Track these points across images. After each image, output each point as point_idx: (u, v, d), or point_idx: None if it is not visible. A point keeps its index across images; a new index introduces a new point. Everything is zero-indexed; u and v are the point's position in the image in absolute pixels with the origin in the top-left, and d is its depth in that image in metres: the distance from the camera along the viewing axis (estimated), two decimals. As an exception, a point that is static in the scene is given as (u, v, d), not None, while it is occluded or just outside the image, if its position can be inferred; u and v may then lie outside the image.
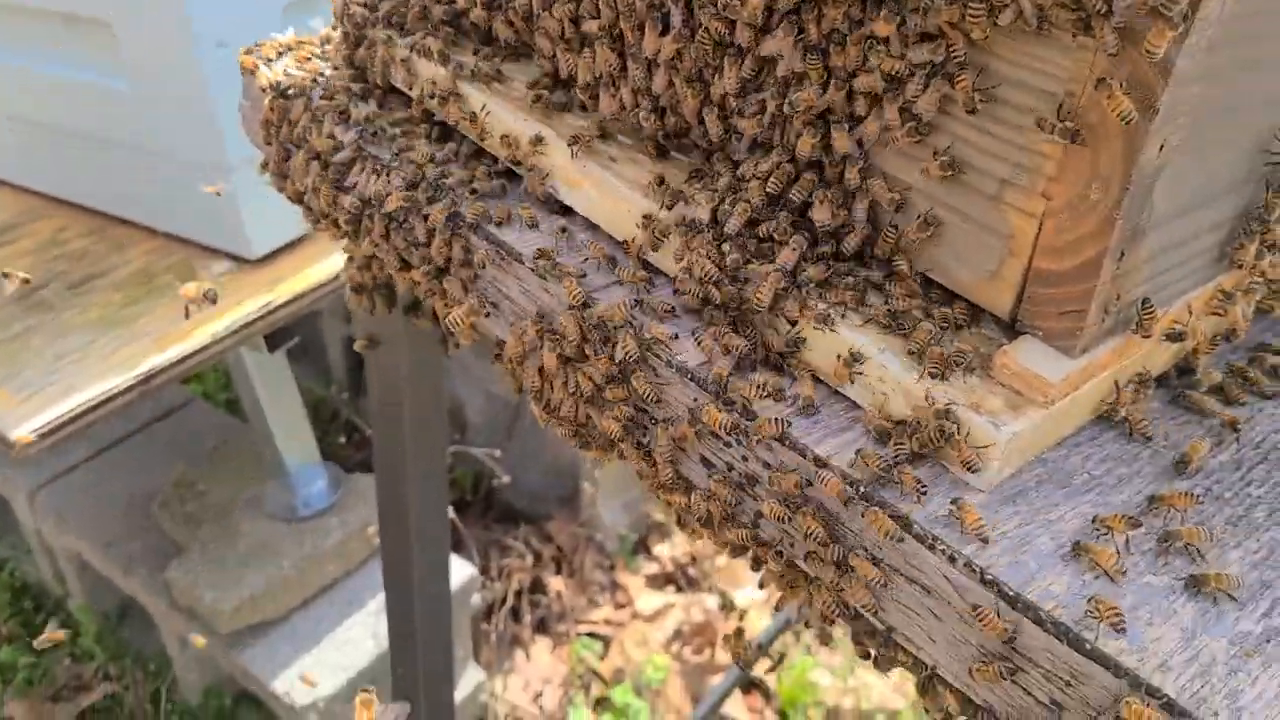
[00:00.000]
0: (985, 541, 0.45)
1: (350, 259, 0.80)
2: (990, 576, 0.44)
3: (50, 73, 1.39)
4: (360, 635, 1.51)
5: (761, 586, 0.65)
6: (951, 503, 0.46)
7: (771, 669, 1.01)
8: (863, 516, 0.47)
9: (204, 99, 1.28)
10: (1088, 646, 0.41)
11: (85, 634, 1.75)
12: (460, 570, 1.62)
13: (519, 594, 1.85)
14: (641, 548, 2.03)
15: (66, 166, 1.50)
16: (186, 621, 1.52)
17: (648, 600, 1.92)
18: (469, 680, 1.72)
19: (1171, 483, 0.50)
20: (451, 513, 1.68)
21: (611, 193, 0.61)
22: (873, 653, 0.56)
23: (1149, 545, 0.46)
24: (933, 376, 0.48)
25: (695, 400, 0.52)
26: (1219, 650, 0.42)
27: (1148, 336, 0.50)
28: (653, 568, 1.99)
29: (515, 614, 1.87)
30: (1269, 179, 0.52)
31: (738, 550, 0.56)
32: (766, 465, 0.50)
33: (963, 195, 0.50)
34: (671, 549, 2.01)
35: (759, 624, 1.87)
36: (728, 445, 0.52)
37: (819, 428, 0.50)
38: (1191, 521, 0.47)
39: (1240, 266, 0.54)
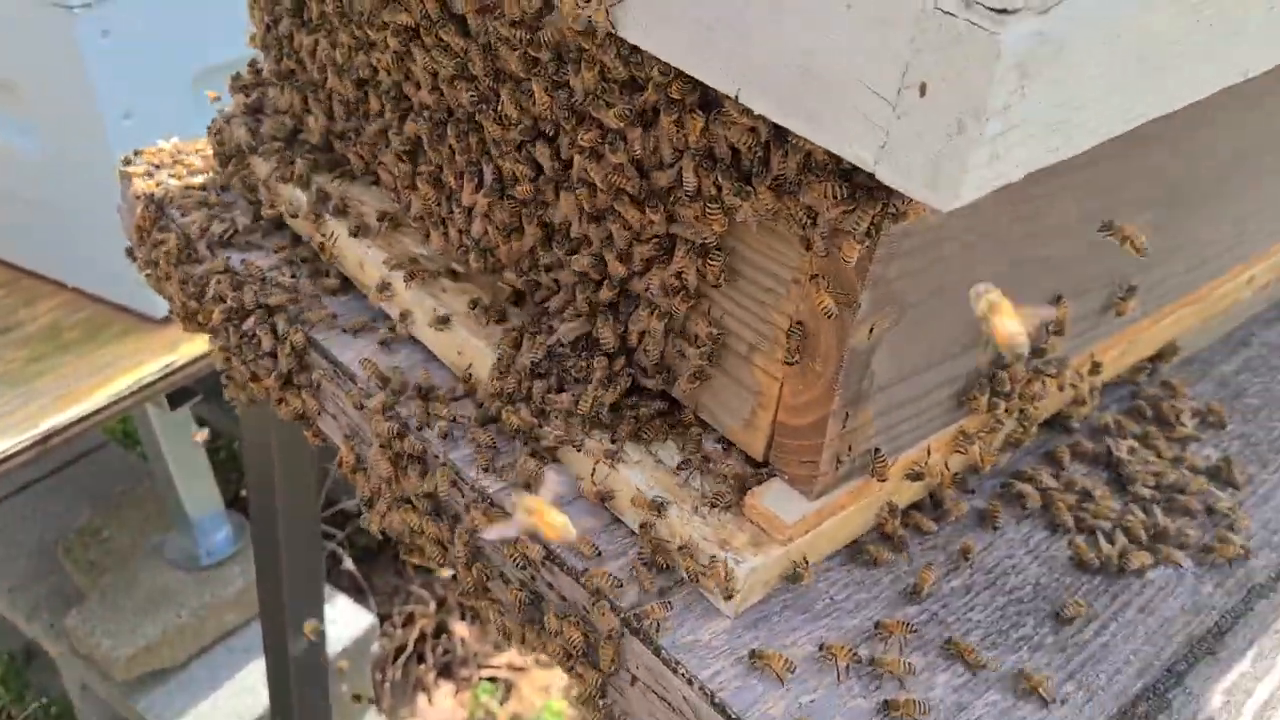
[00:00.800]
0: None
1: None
2: (719, 700, 0.50)
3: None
4: (258, 682, 1.55)
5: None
6: (693, 640, 0.53)
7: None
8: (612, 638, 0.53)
9: (110, 166, 1.32)
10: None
11: (-12, 676, 1.76)
12: (360, 619, 1.66)
13: (422, 639, 1.90)
14: (547, 593, 2.08)
15: (-23, 220, 1.53)
16: (85, 668, 1.55)
17: (549, 645, 1.97)
18: (369, 726, 1.76)
19: (899, 609, 0.57)
20: (354, 566, 1.73)
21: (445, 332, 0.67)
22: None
23: (865, 670, 0.53)
24: (694, 512, 0.55)
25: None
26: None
27: (882, 480, 0.57)
28: (557, 613, 2.05)
29: (420, 658, 1.91)
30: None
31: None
32: (549, 586, 0.57)
33: (724, 353, 0.57)
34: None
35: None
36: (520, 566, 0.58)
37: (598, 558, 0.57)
38: (910, 647, 0.54)
39: (975, 412, 0.61)
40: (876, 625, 0.55)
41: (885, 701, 0.51)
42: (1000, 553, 0.62)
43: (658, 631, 0.53)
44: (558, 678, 1.93)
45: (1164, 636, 0.58)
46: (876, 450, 0.57)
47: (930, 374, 0.57)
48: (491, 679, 1.92)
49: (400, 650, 1.88)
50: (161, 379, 1.36)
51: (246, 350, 0.72)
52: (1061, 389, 0.66)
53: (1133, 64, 0.40)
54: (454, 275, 0.69)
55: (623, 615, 0.54)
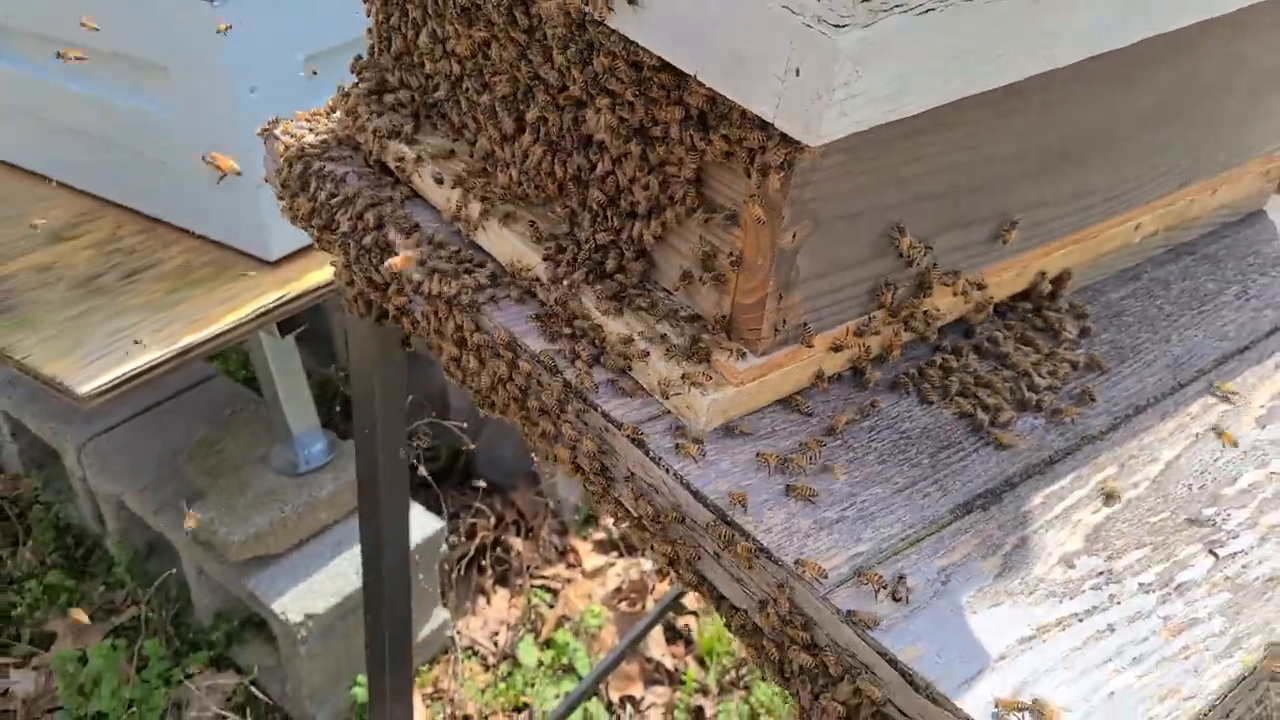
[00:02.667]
0: (695, 461, 0.77)
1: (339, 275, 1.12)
2: (685, 481, 0.76)
3: (112, 99, 1.72)
4: (347, 569, 1.84)
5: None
6: (674, 446, 0.78)
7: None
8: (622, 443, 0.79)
9: (236, 131, 1.60)
10: (729, 519, 0.73)
11: (118, 566, 2.08)
12: (432, 523, 1.94)
13: (483, 550, 2.17)
14: (592, 520, 2.35)
15: (123, 175, 1.83)
16: (203, 554, 1.85)
17: (593, 561, 2.24)
18: (436, 618, 2.05)
19: (818, 436, 0.82)
20: (429, 475, 2.01)
21: (507, 240, 0.93)
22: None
23: (784, 471, 0.78)
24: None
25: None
26: (804, 523, 0.74)
27: (810, 346, 0.82)
28: (600, 535, 2.32)
29: (480, 567, 2.19)
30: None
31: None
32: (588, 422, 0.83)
33: (705, 261, 0.82)
34: (619, 520, 2.34)
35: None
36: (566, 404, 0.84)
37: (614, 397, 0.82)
38: (809, 456, 0.79)
39: (884, 306, 0.86)
40: (800, 444, 0.80)
41: (788, 485, 0.76)
42: (901, 409, 0.87)
43: (645, 441, 0.78)
44: (599, 587, 2.20)
45: (1009, 462, 0.82)
46: (805, 324, 0.81)
47: (845, 274, 0.82)
48: (543, 587, 2.20)
49: (463, 557, 2.16)
50: (275, 308, 1.64)
51: (364, 260, 0.99)
52: (956, 294, 0.90)
53: (941, 57, 0.64)
54: (515, 206, 0.95)
55: (626, 433, 0.79)
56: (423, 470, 1.85)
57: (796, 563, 0.69)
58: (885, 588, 0.69)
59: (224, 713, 1.76)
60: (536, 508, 2.28)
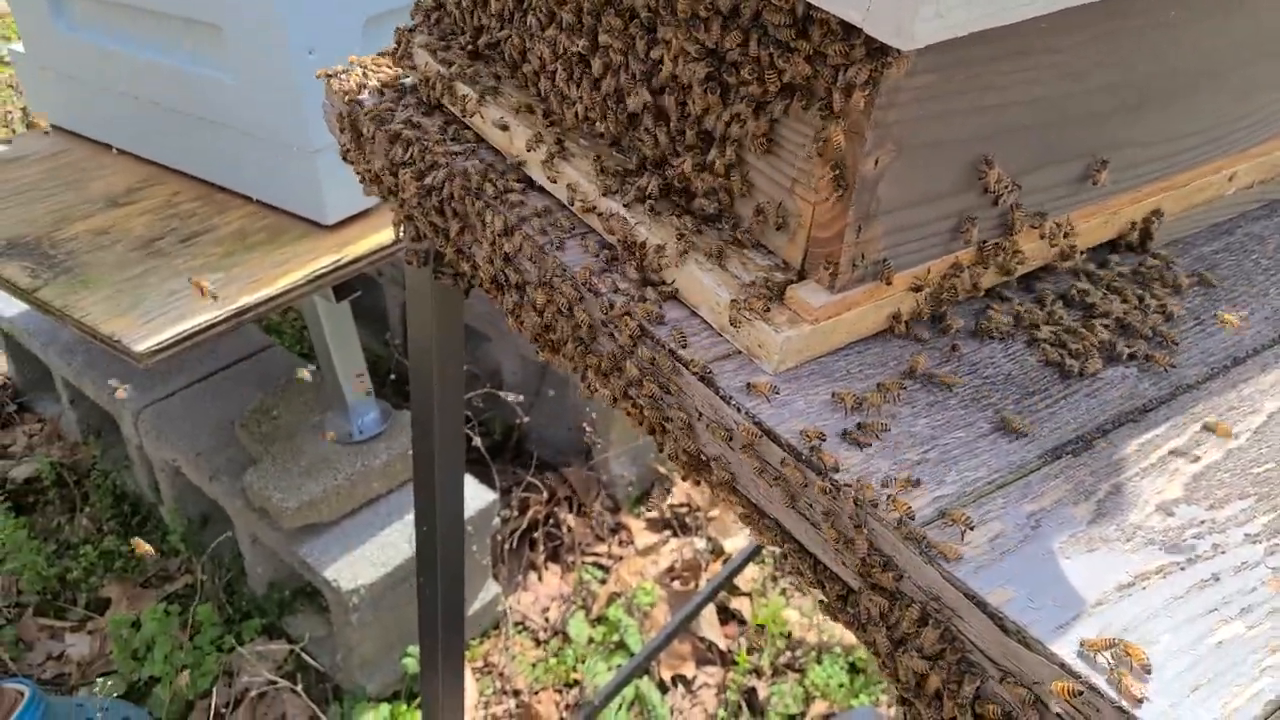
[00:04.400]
0: (768, 400, 0.73)
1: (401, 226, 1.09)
2: (757, 420, 0.72)
3: (169, 63, 1.71)
4: (398, 539, 1.82)
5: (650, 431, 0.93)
6: (746, 385, 0.75)
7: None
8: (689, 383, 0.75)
9: (294, 94, 1.59)
10: (803, 455, 0.69)
11: (173, 534, 2.08)
12: (485, 495, 1.92)
13: (535, 525, 2.15)
14: (645, 497, 2.32)
15: (180, 141, 1.83)
16: (257, 520, 1.84)
17: (645, 539, 2.21)
18: (488, 592, 2.03)
19: (897, 379, 0.78)
20: (483, 448, 1.99)
21: (571, 177, 0.90)
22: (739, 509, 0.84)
23: (860, 411, 0.74)
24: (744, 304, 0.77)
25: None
26: (883, 465, 0.70)
27: (889, 284, 0.78)
28: (653, 513, 2.28)
29: (532, 543, 2.17)
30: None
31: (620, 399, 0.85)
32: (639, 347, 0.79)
33: (777, 190, 0.78)
34: (671, 499, 2.30)
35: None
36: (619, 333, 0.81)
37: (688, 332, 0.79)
38: (887, 397, 0.75)
39: (968, 244, 0.81)
40: (878, 385, 0.76)
41: (860, 424, 0.72)
42: (984, 355, 0.82)
43: (714, 379, 0.75)
44: (651, 564, 2.16)
45: (1100, 410, 0.77)
46: (884, 260, 0.77)
47: (927, 207, 0.77)
48: (594, 564, 2.17)
49: (515, 532, 2.14)
50: (330, 272, 1.63)
51: (425, 203, 0.96)
52: (1043, 238, 0.85)
53: (1042, -41, 0.60)
54: (582, 143, 0.92)
55: (696, 371, 0.76)
56: (477, 441, 1.83)
57: (888, 497, 0.65)
58: (972, 528, 0.65)
59: (274, 678, 1.76)
60: (589, 484, 2.25)
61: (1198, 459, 0.73)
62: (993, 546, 0.64)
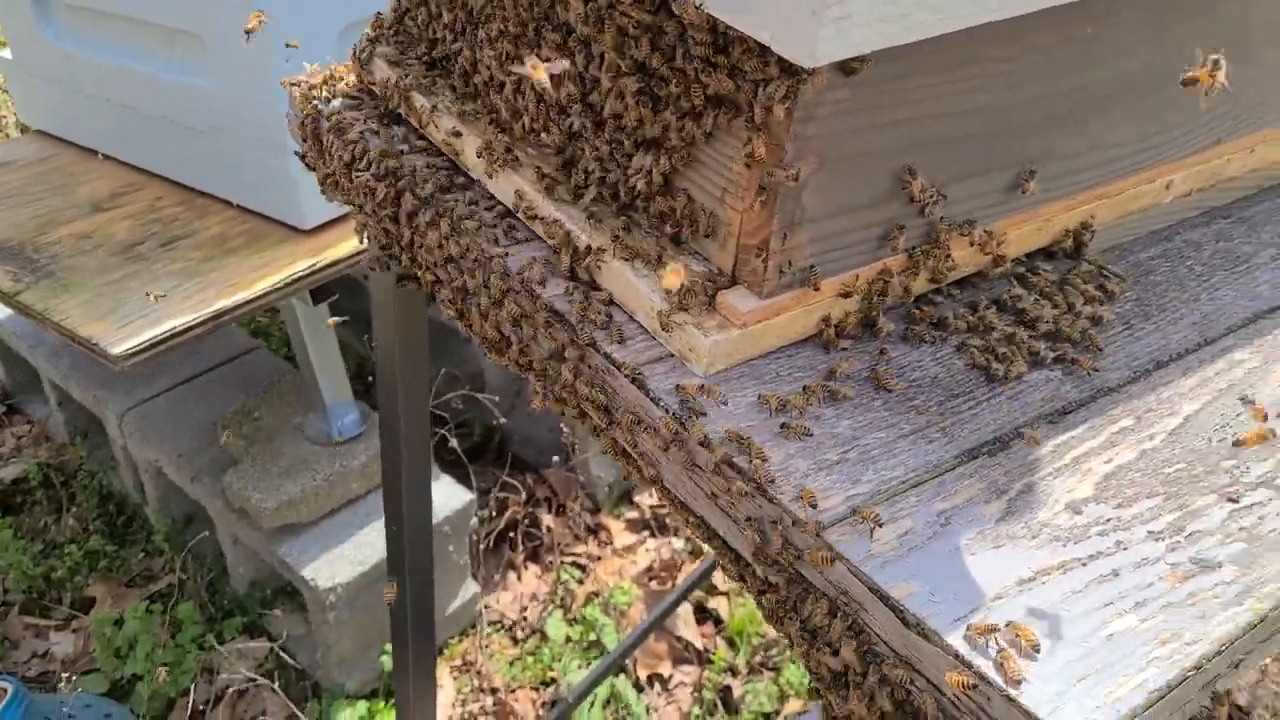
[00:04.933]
0: (693, 400, 0.76)
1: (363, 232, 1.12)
2: (683, 421, 0.75)
3: (151, 70, 1.74)
4: (376, 539, 1.85)
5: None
6: (675, 386, 0.77)
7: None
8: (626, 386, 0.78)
9: (272, 101, 1.62)
10: (724, 455, 0.72)
11: (157, 534, 2.11)
12: (461, 496, 1.95)
13: (514, 526, 2.18)
14: (624, 498, 2.35)
15: (162, 147, 1.86)
16: (237, 521, 1.87)
17: (624, 540, 2.24)
18: (467, 591, 2.06)
19: (823, 381, 0.80)
20: (459, 449, 2.01)
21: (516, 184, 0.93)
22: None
23: (784, 412, 0.77)
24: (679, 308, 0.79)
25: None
26: (802, 464, 0.72)
27: (816, 289, 0.80)
28: (632, 514, 2.31)
29: (511, 543, 2.20)
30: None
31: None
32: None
33: (709, 199, 0.81)
34: (650, 499, 2.33)
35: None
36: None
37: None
38: (811, 399, 0.77)
39: (895, 252, 0.84)
40: (804, 388, 0.79)
41: (783, 424, 0.75)
42: (912, 359, 0.85)
43: (645, 381, 0.77)
44: (629, 564, 2.19)
45: (1021, 412, 0.80)
46: (811, 267, 0.80)
47: (853, 216, 0.80)
48: (573, 564, 2.20)
49: (493, 533, 2.17)
50: (307, 276, 1.66)
51: (380, 211, 0.99)
52: (973, 245, 0.88)
53: (942, -20, 0.63)
54: (528, 153, 0.95)
55: (626, 372, 0.78)
56: (453, 442, 1.86)
57: (795, 486, 0.68)
58: (881, 525, 0.67)
59: (253, 675, 1.78)
60: (568, 485, 2.28)
61: (1111, 460, 0.76)
62: (901, 543, 0.67)
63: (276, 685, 1.79)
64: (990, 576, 0.65)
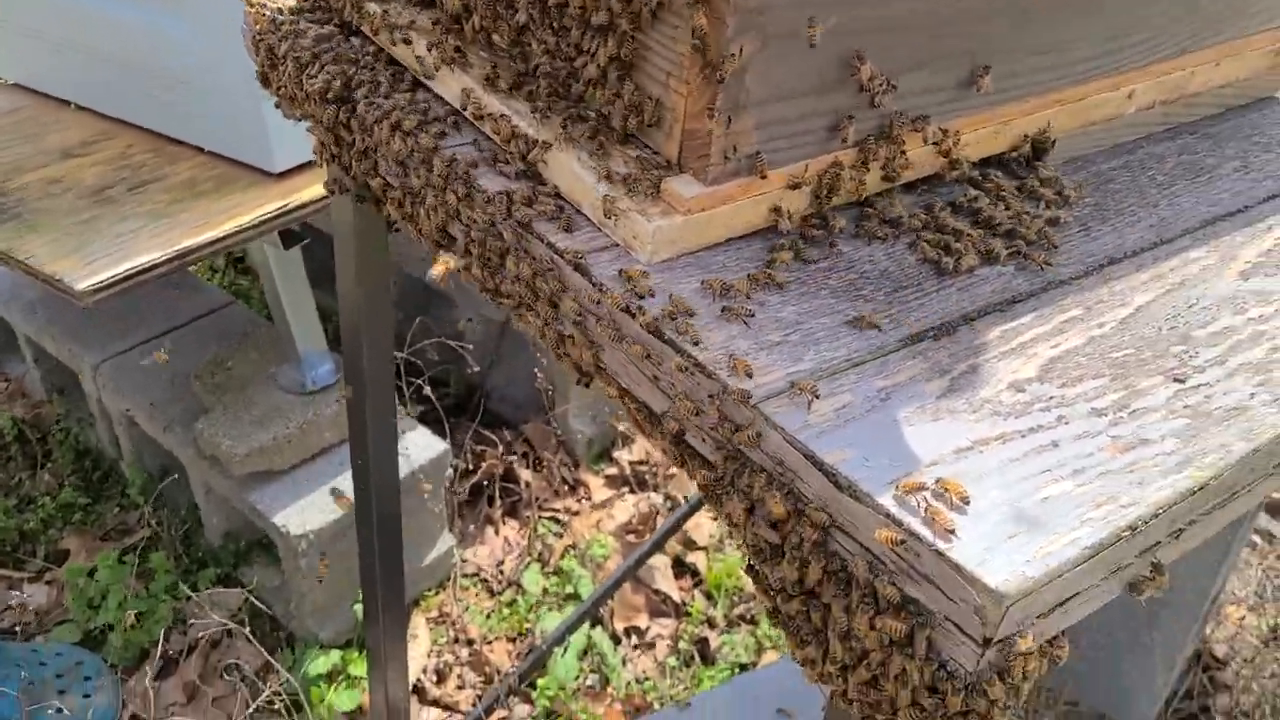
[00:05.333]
0: (641, 296, 0.75)
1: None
2: (624, 304, 0.74)
3: (124, 17, 1.72)
4: (349, 488, 1.84)
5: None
6: (619, 271, 0.76)
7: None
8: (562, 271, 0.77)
9: (244, 43, 1.60)
10: (666, 336, 0.71)
11: (132, 487, 2.10)
12: (436, 445, 1.94)
13: (492, 480, 2.17)
14: (604, 455, 2.34)
15: (135, 95, 1.84)
16: (209, 469, 1.86)
17: (603, 495, 2.23)
18: (442, 544, 2.05)
19: (769, 271, 0.79)
20: (434, 398, 2.00)
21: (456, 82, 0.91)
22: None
23: (727, 296, 0.76)
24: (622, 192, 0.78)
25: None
26: (743, 344, 0.71)
27: (763, 178, 0.79)
28: (611, 470, 2.30)
29: (489, 498, 2.19)
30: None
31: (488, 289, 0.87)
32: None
33: (654, 86, 0.79)
34: (630, 455, 2.32)
35: (699, 521, 2.17)
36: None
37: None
38: (756, 286, 0.76)
39: (845, 143, 0.83)
40: (748, 276, 0.78)
41: (724, 307, 0.73)
42: (864, 253, 0.84)
43: (588, 268, 0.76)
44: (608, 518, 2.18)
45: (969, 302, 0.79)
46: (758, 154, 0.79)
47: (800, 101, 0.79)
48: (551, 518, 2.19)
49: (471, 487, 2.16)
50: (277, 217, 1.64)
51: (334, 119, 0.98)
52: (927, 143, 0.87)
53: None
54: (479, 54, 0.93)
55: (569, 258, 0.77)
56: (427, 390, 1.85)
57: (730, 357, 0.67)
58: (819, 398, 0.66)
59: (225, 621, 1.77)
60: (547, 439, 2.27)
61: (1058, 345, 0.75)
62: (838, 415, 0.66)
63: (250, 634, 1.78)
64: (926, 446, 0.64)
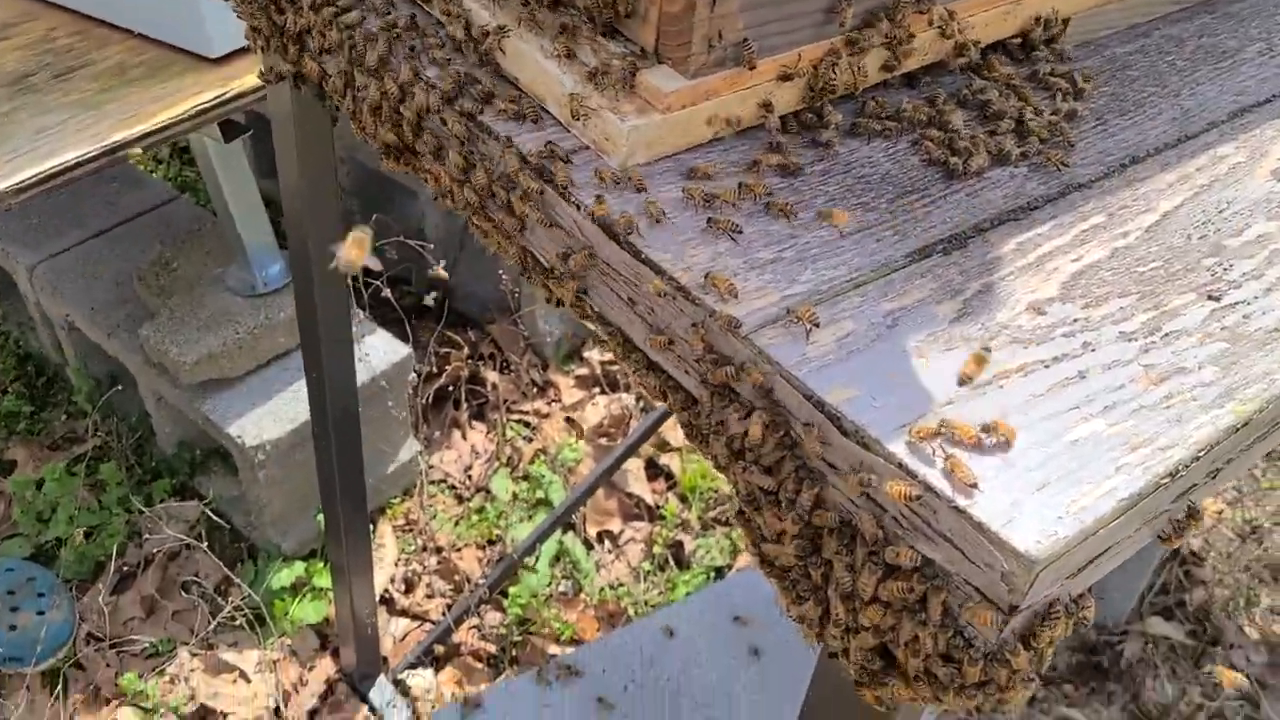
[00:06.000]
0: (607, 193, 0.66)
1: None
2: (595, 215, 0.65)
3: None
4: (305, 395, 1.76)
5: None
6: (594, 171, 0.67)
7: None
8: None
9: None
10: (644, 255, 0.63)
11: (78, 394, 2.01)
12: (398, 349, 1.86)
13: (457, 383, 2.09)
14: (574, 355, 2.27)
15: (54, -29, 1.68)
16: (158, 377, 1.77)
17: (574, 396, 2.16)
18: (407, 451, 1.98)
19: (760, 178, 0.70)
20: (393, 297, 1.91)
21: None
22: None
23: (711, 208, 0.67)
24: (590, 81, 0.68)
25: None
26: (732, 263, 0.63)
27: (752, 69, 0.70)
28: (582, 370, 2.23)
29: (455, 402, 2.12)
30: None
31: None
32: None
33: (625, -39, 0.69)
34: (601, 356, 2.25)
35: (673, 422, 2.11)
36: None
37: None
38: (745, 196, 0.68)
39: (843, 28, 0.73)
40: (738, 184, 0.69)
41: (710, 219, 0.65)
42: (863, 154, 0.75)
43: (553, 172, 0.67)
44: (579, 421, 2.12)
45: (980, 210, 0.70)
46: (745, 41, 0.69)
47: (793, -19, 0.69)
48: (520, 422, 2.13)
49: (436, 390, 2.08)
50: (215, 107, 1.51)
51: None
52: (932, 25, 0.77)
53: None
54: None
55: (533, 161, 0.68)
56: (386, 292, 1.75)
57: (706, 276, 0.59)
58: (819, 326, 0.59)
59: (183, 537, 1.71)
60: (514, 340, 2.19)
61: (1079, 258, 0.67)
62: (840, 346, 0.58)
63: (208, 547, 1.72)
64: (941, 381, 0.57)
